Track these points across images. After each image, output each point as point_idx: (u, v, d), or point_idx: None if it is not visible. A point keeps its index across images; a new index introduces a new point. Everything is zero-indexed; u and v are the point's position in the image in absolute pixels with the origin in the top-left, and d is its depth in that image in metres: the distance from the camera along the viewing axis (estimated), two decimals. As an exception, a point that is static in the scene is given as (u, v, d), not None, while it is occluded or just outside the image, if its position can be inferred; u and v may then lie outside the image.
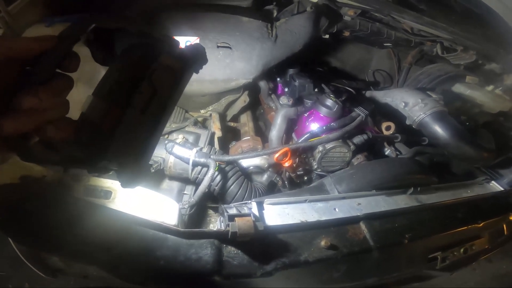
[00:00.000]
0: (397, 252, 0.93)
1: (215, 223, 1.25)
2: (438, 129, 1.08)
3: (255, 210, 0.86)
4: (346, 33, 1.38)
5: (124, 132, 0.44)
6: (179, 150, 1.00)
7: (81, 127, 0.43)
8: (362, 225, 0.91)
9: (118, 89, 0.45)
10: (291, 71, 1.26)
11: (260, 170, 1.20)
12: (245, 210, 0.82)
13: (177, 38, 1.06)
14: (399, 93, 1.23)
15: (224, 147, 1.34)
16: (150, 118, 0.46)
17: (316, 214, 0.93)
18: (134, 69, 0.46)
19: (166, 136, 1.13)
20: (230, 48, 1.12)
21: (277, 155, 1.02)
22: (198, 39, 1.08)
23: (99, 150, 0.43)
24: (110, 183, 0.86)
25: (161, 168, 1.02)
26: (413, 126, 1.17)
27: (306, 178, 1.21)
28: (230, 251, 0.74)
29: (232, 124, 1.43)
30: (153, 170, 0.96)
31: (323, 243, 0.81)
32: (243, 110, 1.43)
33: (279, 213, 0.90)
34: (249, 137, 1.32)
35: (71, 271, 1.04)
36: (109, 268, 0.71)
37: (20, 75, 0.37)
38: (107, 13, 0.97)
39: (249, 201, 0.89)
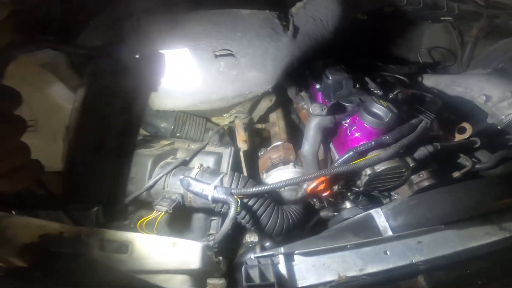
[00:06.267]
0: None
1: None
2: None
3: (282, 265, 0.74)
4: (389, 9, 0.99)
5: (82, 173, 0.46)
6: (196, 186, 0.87)
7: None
8: (420, 278, 0.72)
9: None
10: (321, 63, 0.97)
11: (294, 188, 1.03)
12: (269, 271, 0.70)
13: (162, 52, 0.85)
14: (476, 81, 0.88)
15: (253, 155, 1.19)
16: (108, 153, 0.47)
17: (361, 262, 0.76)
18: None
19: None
20: (233, 55, 0.86)
21: (310, 187, 0.84)
22: (188, 50, 0.85)
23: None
24: (126, 236, 0.80)
25: (181, 204, 0.93)
26: (498, 127, 0.84)
27: (350, 195, 1.02)
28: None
29: (260, 126, 1.24)
30: (170, 211, 0.87)
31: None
32: (271, 109, 1.21)
33: (314, 264, 0.76)
34: (279, 144, 1.14)
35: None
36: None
37: None
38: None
39: (276, 254, 0.75)
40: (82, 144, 0.45)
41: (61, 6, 0.81)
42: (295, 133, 1.24)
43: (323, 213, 1.10)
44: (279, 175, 1.05)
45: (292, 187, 1.03)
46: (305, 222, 1.06)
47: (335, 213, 1.05)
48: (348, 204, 1.03)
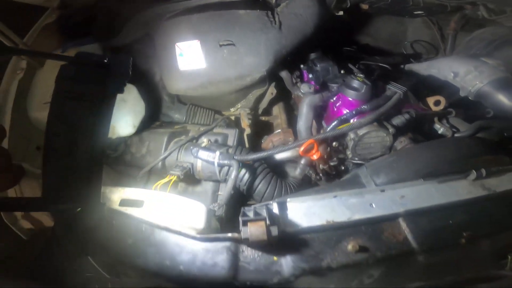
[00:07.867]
0: (451, 254, 0.78)
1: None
2: (503, 99, 0.85)
3: (276, 211, 0.83)
4: (365, 7, 1.20)
5: (53, 177, 0.46)
6: (203, 154, 1.01)
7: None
8: (403, 223, 0.79)
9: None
10: (312, 55, 1.15)
11: (294, 163, 1.14)
12: (263, 213, 0.79)
13: (179, 43, 1.07)
14: (446, 62, 1.01)
15: (257, 142, 1.32)
16: (80, 156, 0.46)
17: (348, 212, 0.83)
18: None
19: (194, 141, 1.16)
20: (234, 44, 1.07)
21: (301, 148, 0.96)
22: (199, 42, 1.08)
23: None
24: (142, 193, 0.93)
25: (191, 173, 1.06)
26: (470, 98, 0.95)
27: (342, 167, 1.11)
28: (246, 256, 0.73)
29: (263, 118, 1.40)
30: (182, 177, 1.00)
31: (350, 246, 0.73)
32: (273, 102, 1.37)
33: (305, 213, 0.84)
34: (279, 130, 1.27)
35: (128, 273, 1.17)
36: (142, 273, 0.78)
37: None
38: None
39: (270, 202, 0.85)
40: (54, 146, 0.46)
41: (101, 10, 1.06)
42: (295, 125, 1.38)
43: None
44: (280, 154, 1.17)
45: (292, 164, 1.14)
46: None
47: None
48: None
